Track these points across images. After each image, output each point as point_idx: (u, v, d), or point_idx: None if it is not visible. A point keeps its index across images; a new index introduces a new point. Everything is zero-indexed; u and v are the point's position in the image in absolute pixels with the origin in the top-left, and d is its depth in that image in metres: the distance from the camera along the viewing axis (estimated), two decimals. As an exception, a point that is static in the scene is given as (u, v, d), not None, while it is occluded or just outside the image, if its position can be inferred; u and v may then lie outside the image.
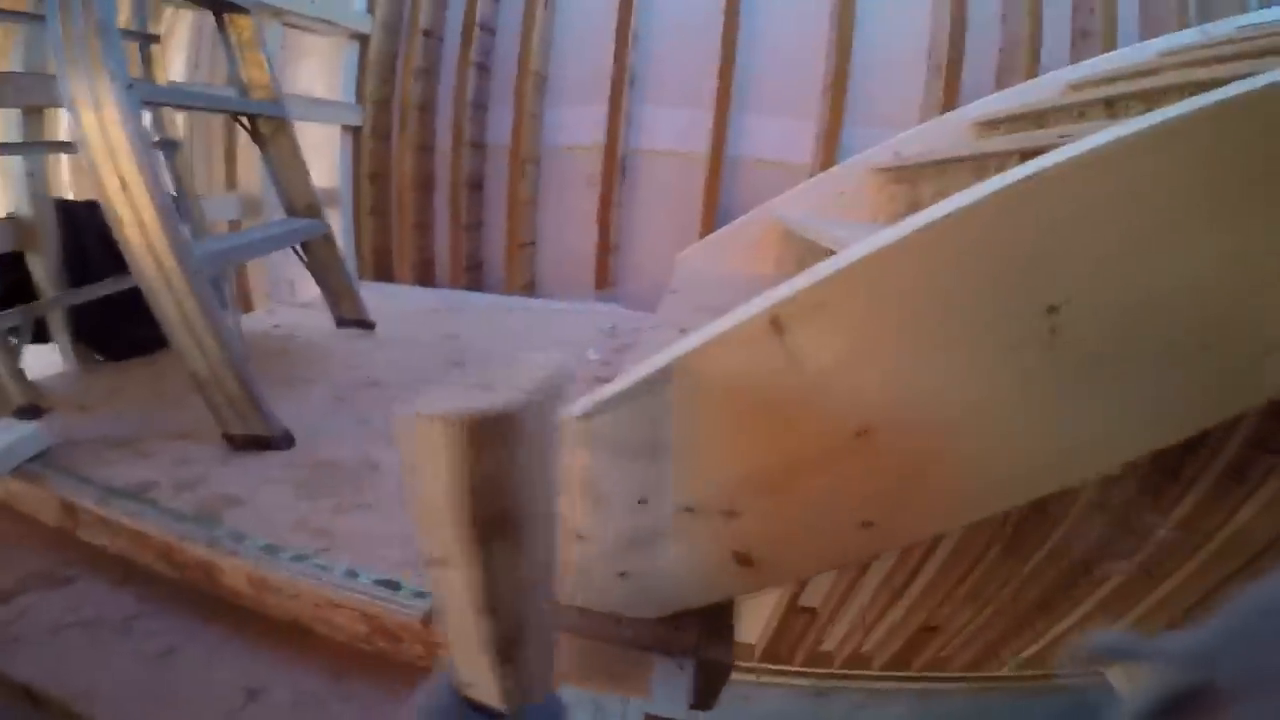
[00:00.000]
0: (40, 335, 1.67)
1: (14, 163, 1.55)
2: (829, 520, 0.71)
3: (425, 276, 3.11)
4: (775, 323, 0.61)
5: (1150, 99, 1.47)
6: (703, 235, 2.27)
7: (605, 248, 2.72)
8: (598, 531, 0.77)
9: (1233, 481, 1.86)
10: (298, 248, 1.86)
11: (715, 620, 0.87)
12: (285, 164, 1.79)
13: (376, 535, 1.09)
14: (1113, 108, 1.68)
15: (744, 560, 0.75)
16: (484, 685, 0.45)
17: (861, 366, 0.62)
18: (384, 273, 3.07)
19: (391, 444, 1.34)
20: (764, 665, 2.67)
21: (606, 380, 1.57)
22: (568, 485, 0.75)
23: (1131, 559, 2.12)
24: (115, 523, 1.17)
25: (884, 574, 2.58)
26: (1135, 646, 0.46)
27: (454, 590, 0.44)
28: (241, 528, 1.10)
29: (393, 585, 0.95)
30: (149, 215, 1.17)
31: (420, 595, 0.92)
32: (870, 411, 0.63)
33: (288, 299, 2.46)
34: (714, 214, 2.42)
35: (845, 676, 2.97)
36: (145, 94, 1.37)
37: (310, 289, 2.52)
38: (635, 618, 0.85)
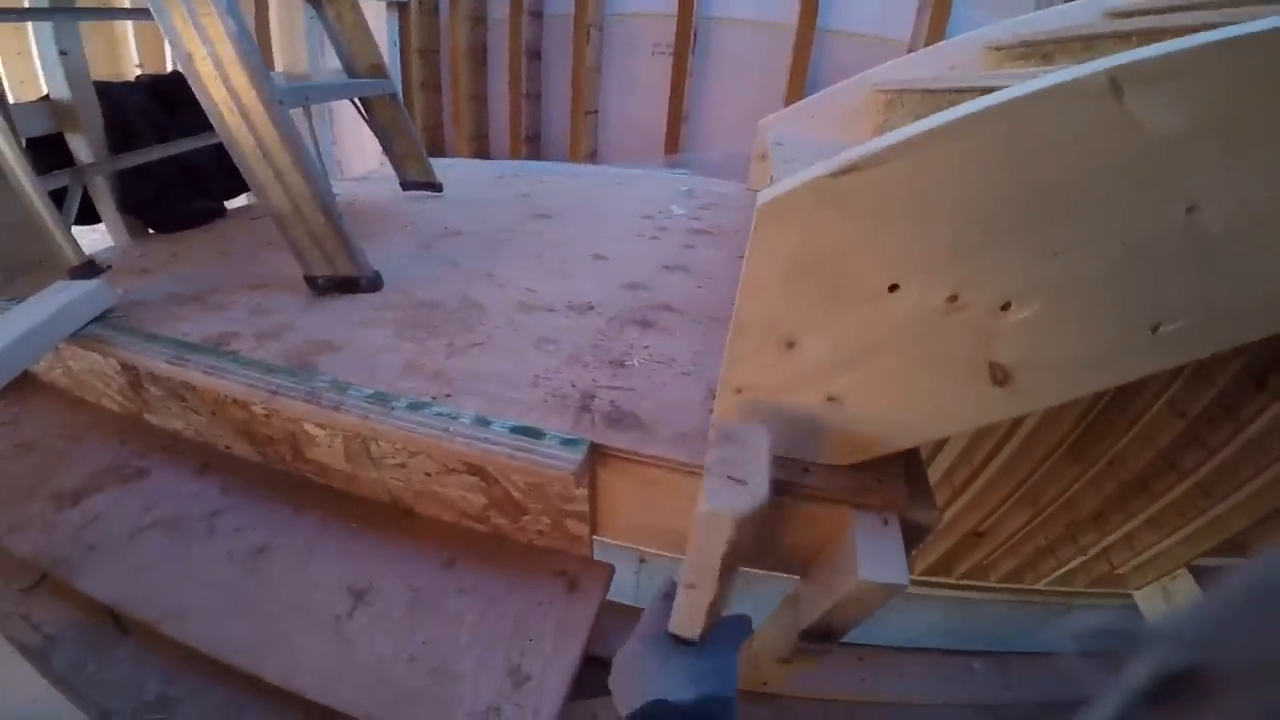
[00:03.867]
0: (88, 216, 1.49)
1: (47, 46, 1.32)
2: (1121, 327, 0.52)
3: (481, 149, 2.87)
4: (1114, 83, 0.44)
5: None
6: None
7: (676, 116, 2.44)
8: (818, 336, 0.59)
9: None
10: (361, 109, 1.63)
11: (916, 472, 0.67)
12: (345, 22, 1.54)
13: (501, 375, 0.90)
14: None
15: (1000, 376, 0.56)
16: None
17: (1204, 142, 0.45)
18: (437, 149, 2.85)
19: (493, 284, 1.14)
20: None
21: (701, 231, 1.41)
22: (785, 276, 0.57)
23: (1192, 475, 1.93)
24: (192, 385, 0.97)
25: (944, 471, 2.45)
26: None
27: (695, 601, 0.60)
28: (341, 375, 0.90)
29: (535, 433, 0.76)
30: (223, 45, 0.94)
31: (569, 443, 0.74)
32: (1200, 193, 0.46)
33: (338, 178, 2.25)
34: (801, 88, 2.15)
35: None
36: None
37: (360, 167, 2.32)
38: (827, 464, 0.66)
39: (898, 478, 0.67)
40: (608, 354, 0.92)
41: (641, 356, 0.91)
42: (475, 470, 0.83)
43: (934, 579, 2.75)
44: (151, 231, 1.51)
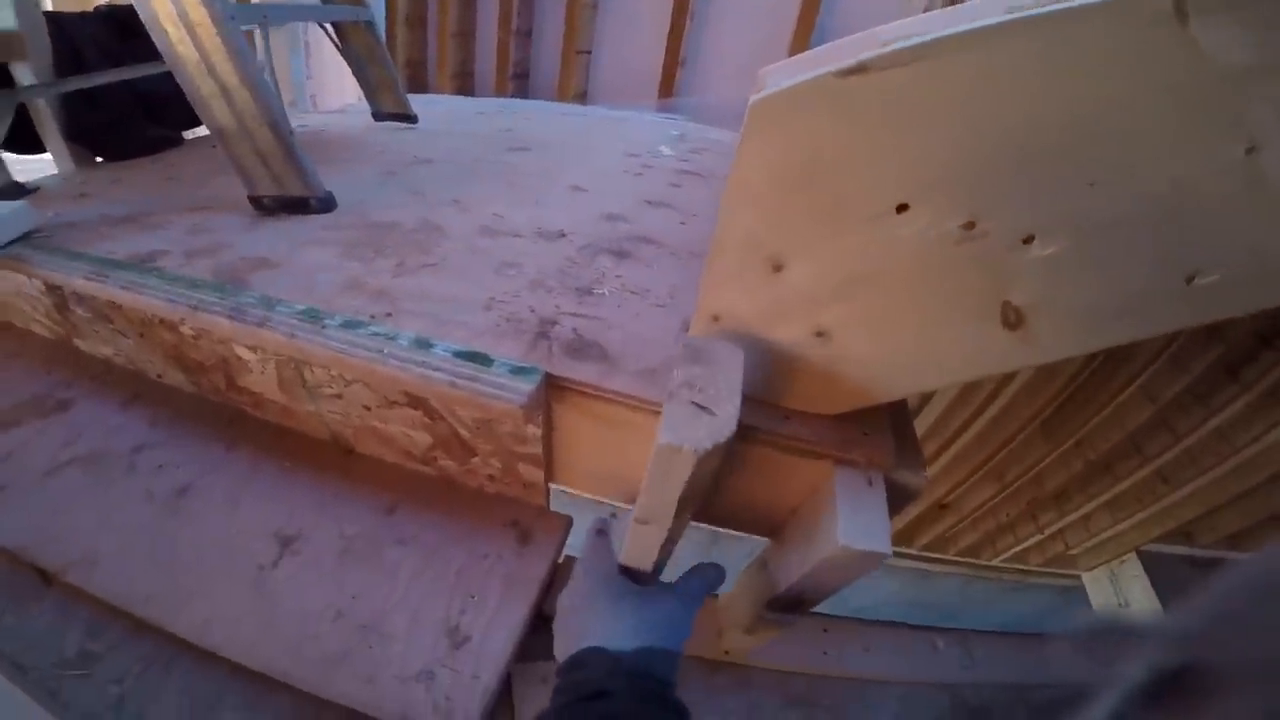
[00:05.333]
0: (32, 144, 1.33)
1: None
2: (1153, 274, 0.44)
3: (465, 87, 2.70)
4: (1180, 5, 0.36)
5: None
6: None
7: (674, 59, 2.29)
8: (811, 259, 0.50)
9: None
10: (334, 36, 1.50)
11: (904, 429, 0.58)
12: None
13: (451, 297, 0.79)
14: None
15: (1014, 319, 0.47)
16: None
17: (1274, 78, 0.37)
18: (419, 86, 2.66)
19: (458, 209, 1.00)
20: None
21: (689, 172, 1.30)
22: (777, 187, 0.48)
23: (1155, 460, 1.94)
24: (117, 304, 0.86)
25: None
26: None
27: (646, 537, 0.55)
28: (274, 292, 0.79)
29: (481, 359, 0.65)
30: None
31: (520, 372, 0.63)
32: (1263, 132, 0.38)
33: (309, 111, 2.12)
34: (806, 41, 2.01)
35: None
36: None
37: (338, 104, 2.17)
38: (810, 413, 0.57)
39: (885, 433, 0.58)
40: (576, 281, 0.82)
41: (613, 286, 0.81)
42: (417, 403, 0.73)
43: (896, 548, 2.75)
44: (99, 160, 1.39)
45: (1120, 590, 2.10)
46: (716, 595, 0.92)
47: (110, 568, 0.79)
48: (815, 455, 0.57)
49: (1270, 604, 0.35)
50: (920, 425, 2.37)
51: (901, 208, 0.45)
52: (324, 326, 0.69)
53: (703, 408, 0.46)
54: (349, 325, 0.70)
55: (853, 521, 0.51)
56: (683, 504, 0.48)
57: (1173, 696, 0.35)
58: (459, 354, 0.65)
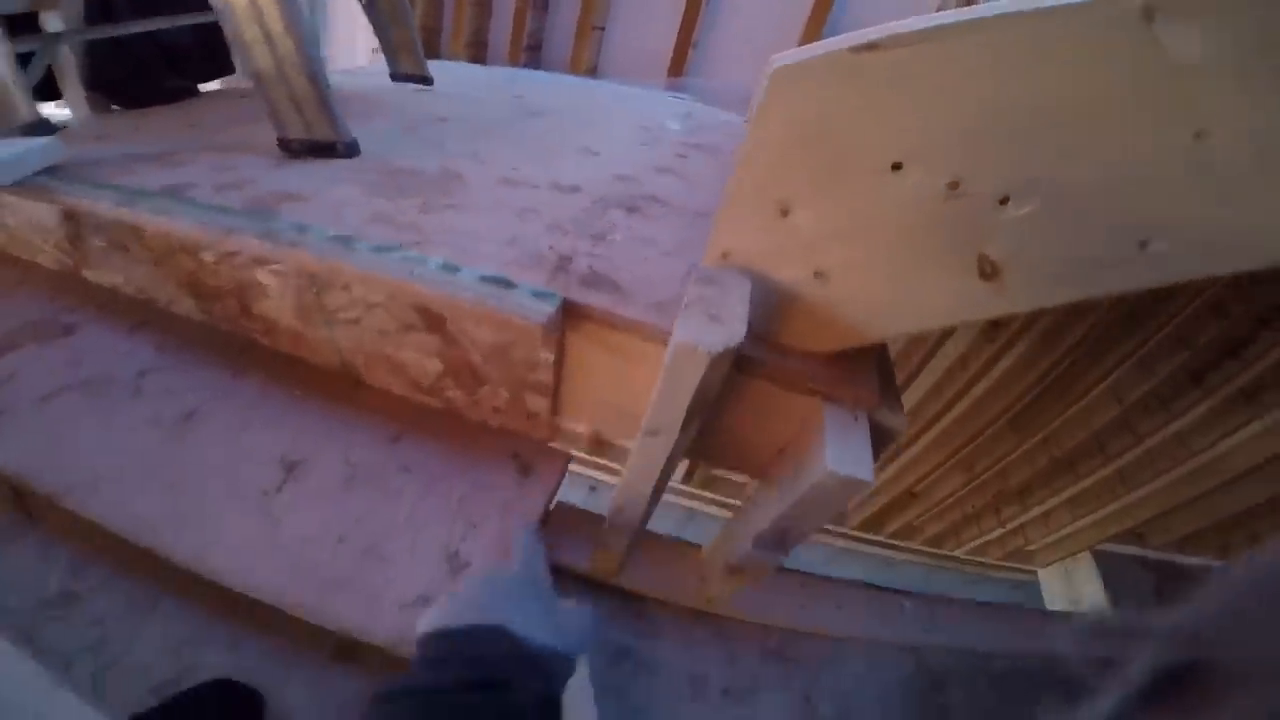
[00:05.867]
0: (50, 92, 1.38)
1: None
2: (1111, 238, 0.51)
3: (478, 56, 2.74)
4: (1147, 8, 0.43)
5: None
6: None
7: (686, 40, 2.35)
8: (813, 207, 0.56)
9: (1242, 401, 1.76)
10: None
11: (887, 376, 0.65)
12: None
13: (474, 232, 0.84)
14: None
15: (989, 271, 0.54)
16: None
17: (1221, 73, 0.44)
18: (432, 52, 2.67)
19: (476, 162, 1.07)
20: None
21: (696, 145, 1.36)
22: (789, 142, 0.54)
23: (1116, 460, 2.03)
24: (140, 231, 0.88)
25: None
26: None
27: (652, 452, 0.61)
28: (305, 220, 0.83)
29: (505, 283, 0.71)
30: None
31: (541, 295, 0.69)
32: (1210, 120, 0.45)
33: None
34: (819, 31, 2.07)
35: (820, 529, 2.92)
36: None
37: (349, 64, 2.18)
38: (805, 351, 0.64)
39: (871, 376, 0.65)
40: (589, 228, 0.87)
41: (624, 234, 0.87)
42: (434, 326, 0.77)
43: (865, 534, 2.84)
44: (114, 109, 1.42)
45: (1073, 587, 2.16)
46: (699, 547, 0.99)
47: (111, 492, 0.79)
48: (808, 390, 0.63)
49: (1273, 603, 0.36)
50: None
51: (896, 166, 0.52)
52: (355, 249, 0.74)
53: (715, 318, 0.52)
54: (379, 249, 0.74)
55: (839, 450, 0.57)
56: (690, 414, 0.54)
57: (1175, 695, 0.36)
58: (484, 278, 0.70)
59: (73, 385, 0.92)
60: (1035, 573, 2.36)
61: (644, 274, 0.76)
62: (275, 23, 0.93)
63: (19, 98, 1.12)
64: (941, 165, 0.51)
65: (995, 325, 2.05)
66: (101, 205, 0.86)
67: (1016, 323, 1.97)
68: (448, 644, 0.47)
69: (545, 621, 0.50)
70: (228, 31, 0.98)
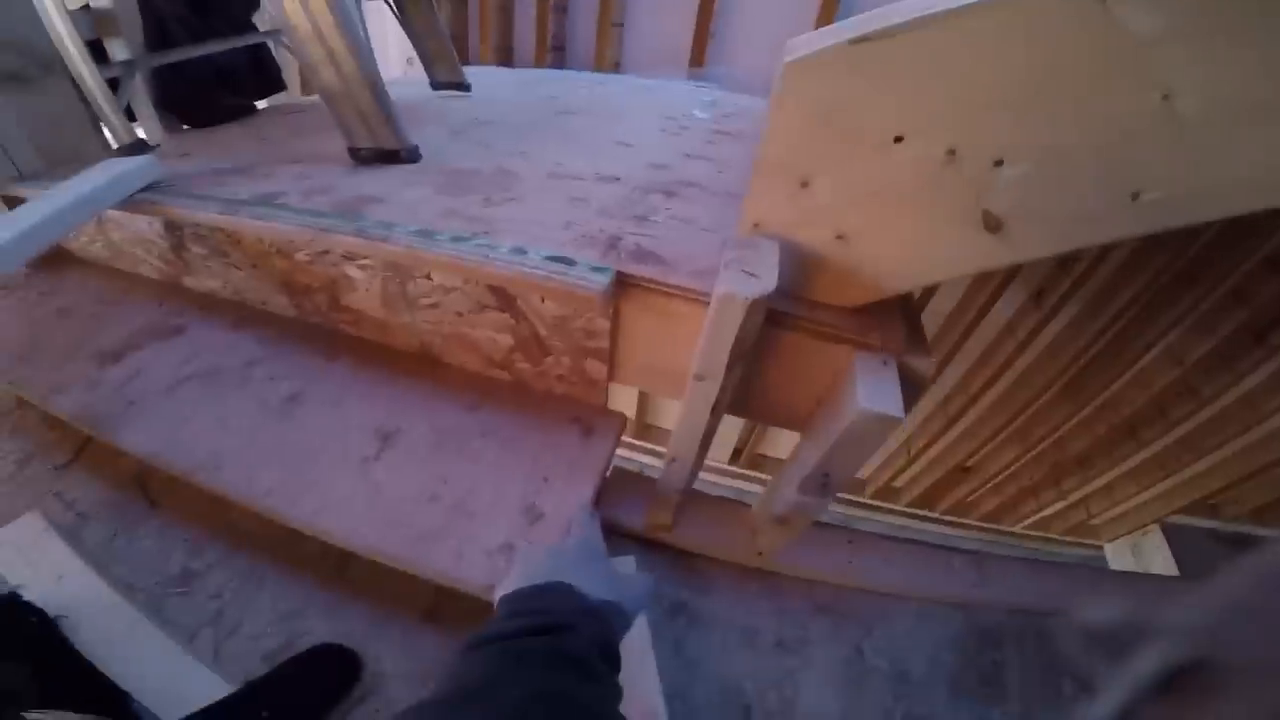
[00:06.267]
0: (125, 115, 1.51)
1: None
2: (1105, 191, 0.58)
3: (505, 60, 2.88)
4: None
5: None
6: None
7: (704, 32, 2.44)
8: (830, 178, 0.64)
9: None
10: (395, 8, 1.66)
11: (914, 323, 0.72)
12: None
13: (535, 221, 0.95)
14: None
15: (993, 224, 0.62)
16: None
17: (1177, 41, 0.50)
18: (461, 58, 2.79)
19: (524, 159, 1.20)
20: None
21: (723, 132, 1.46)
22: (804, 124, 0.63)
23: (1180, 426, 1.97)
24: (239, 238, 1.03)
25: (940, 400, 2.50)
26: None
27: (701, 396, 0.71)
28: (387, 218, 0.95)
29: (568, 261, 0.82)
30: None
31: (598, 270, 0.80)
32: (1174, 83, 0.51)
33: None
34: (833, 13, 2.12)
35: (871, 508, 2.92)
36: None
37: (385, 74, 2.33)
38: (833, 305, 0.73)
39: (896, 324, 0.73)
40: (633, 211, 0.98)
41: (665, 216, 0.97)
42: (506, 304, 0.90)
43: (918, 511, 2.85)
44: (186, 128, 1.58)
45: (1142, 563, 2.11)
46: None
47: (233, 468, 0.92)
48: (838, 339, 0.72)
49: (1274, 602, 0.37)
50: (943, 385, 2.45)
51: (898, 139, 0.60)
52: (436, 240, 0.86)
53: (750, 274, 0.61)
54: (457, 239, 0.86)
55: (870, 390, 0.66)
56: (733, 358, 0.64)
57: (1182, 690, 0.36)
58: (549, 257, 0.81)
59: (190, 377, 1.07)
60: (1101, 548, 2.31)
61: (684, 248, 0.86)
62: (337, 42, 1.04)
63: (115, 121, 1.28)
64: (937, 136, 0.59)
65: (1041, 291, 2.04)
66: (205, 215, 0.99)
67: (1063, 286, 1.95)
68: (521, 601, 0.54)
69: (604, 582, 0.58)
70: (296, 54, 1.10)
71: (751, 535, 1.03)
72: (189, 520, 1.02)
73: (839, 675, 0.96)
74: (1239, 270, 1.67)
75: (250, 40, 1.67)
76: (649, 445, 3.06)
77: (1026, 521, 2.52)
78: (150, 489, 1.07)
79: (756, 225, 0.70)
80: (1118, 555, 2.25)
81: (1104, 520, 2.27)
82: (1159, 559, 2.05)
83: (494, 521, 0.87)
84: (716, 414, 0.74)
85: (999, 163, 0.58)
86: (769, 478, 2.89)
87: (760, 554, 1.03)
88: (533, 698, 0.41)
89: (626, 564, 0.97)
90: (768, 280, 0.60)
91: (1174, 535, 2.07)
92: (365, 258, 0.94)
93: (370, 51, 1.11)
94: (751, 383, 0.80)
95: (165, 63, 1.47)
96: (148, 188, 1.06)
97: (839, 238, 0.67)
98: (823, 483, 0.78)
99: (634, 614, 0.60)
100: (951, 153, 0.59)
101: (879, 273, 0.69)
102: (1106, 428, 2.12)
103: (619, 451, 1.02)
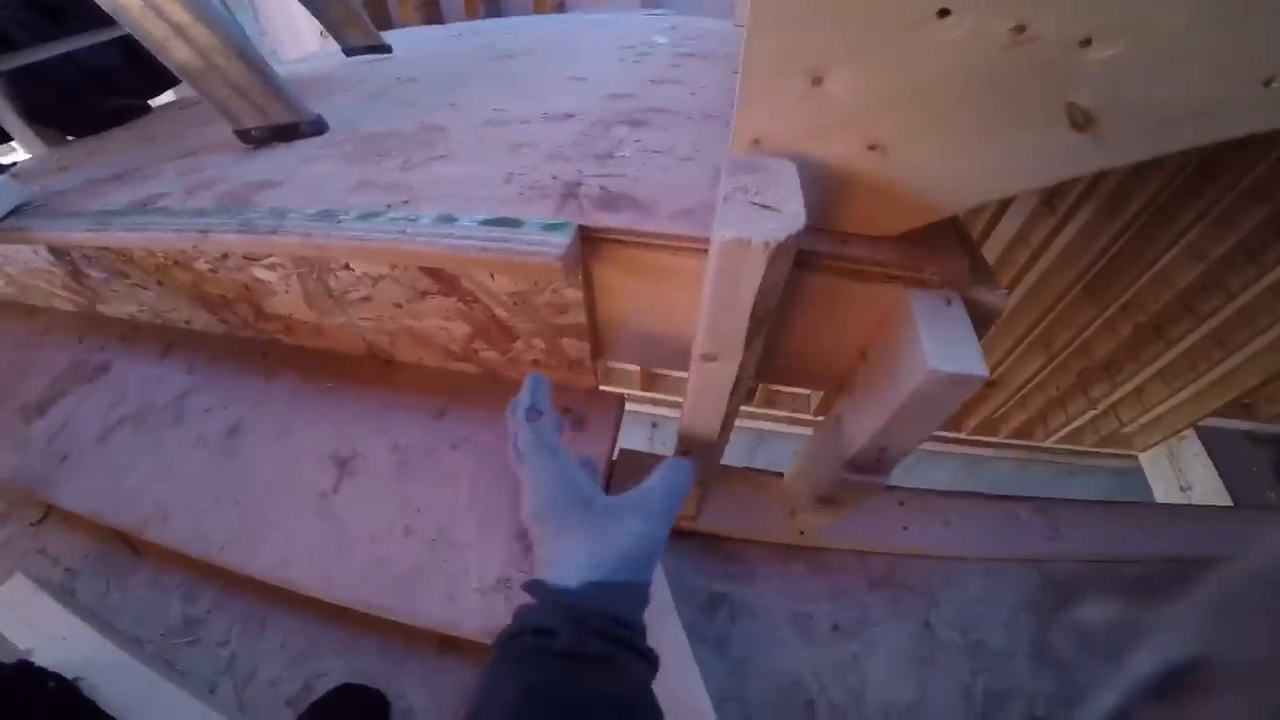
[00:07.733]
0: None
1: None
2: (1226, 78, 0.40)
3: (431, 16, 2.60)
4: None
5: None
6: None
7: None
8: (852, 71, 0.46)
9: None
10: None
11: (971, 246, 0.56)
12: None
13: (467, 178, 0.77)
14: None
15: (1081, 120, 0.44)
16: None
17: None
18: (382, 23, 2.54)
19: (456, 110, 0.96)
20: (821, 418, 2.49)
21: (688, 55, 1.21)
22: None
23: (1209, 320, 1.85)
24: (128, 254, 0.86)
25: None
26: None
27: (715, 382, 0.53)
28: (282, 205, 0.78)
29: (511, 223, 0.63)
30: None
31: (553, 228, 0.62)
32: None
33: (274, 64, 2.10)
34: None
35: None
36: None
37: (294, 54, 2.11)
38: (870, 236, 0.55)
39: (955, 251, 0.56)
40: (593, 149, 0.79)
41: (633, 148, 0.78)
42: (449, 288, 0.72)
43: (945, 433, 2.73)
44: (70, 139, 1.42)
45: (1181, 471, 2.07)
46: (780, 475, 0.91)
47: (181, 519, 0.81)
48: (883, 278, 0.55)
49: (1272, 601, 0.36)
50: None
51: (943, 13, 0.42)
52: (339, 222, 0.68)
53: (765, 206, 0.43)
54: (365, 216, 0.68)
55: (939, 343, 0.49)
56: (754, 328, 0.46)
57: (1179, 691, 0.36)
58: (486, 221, 0.63)
59: (120, 421, 0.95)
60: (1136, 457, 2.26)
61: (663, 183, 0.68)
62: (178, 14, 0.85)
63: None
64: (999, 6, 0.41)
65: (1053, 194, 1.90)
66: (76, 234, 0.84)
67: (1077, 189, 1.81)
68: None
69: (582, 554, 0.48)
70: (136, 37, 0.90)
71: (790, 514, 0.89)
72: (177, 564, 0.90)
73: (907, 655, 0.85)
74: (1257, 167, 1.55)
75: (107, 36, 1.42)
76: (659, 395, 2.87)
77: (1058, 435, 2.43)
78: (130, 536, 0.95)
79: (757, 142, 0.52)
80: (1154, 464, 2.18)
81: (1136, 428, 2.17)
82: (1198, 467, 2.00)
83: (483, 552, 0.73)
84: (736, 399, 0.58)
85: (1086, 42, 0.41)
86: (795, 418, 2.64)
87: (802, 532, 0.89)
88: (525, 693, 0.38)
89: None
90: (792, 214, 0.42)
91: (1210, 439, 2.01)
92: (268, 255, 0.76)
93: (229, 16, 0.90)
94: (769, 341, 0.63)
95: (9, 68, 1.27)
96: (13, 212, 0.91)
97: (872, 148, 0.49)
98: (878, 458, 0.62)
99: (643, 574, 0.48)
100: (1020, 29, 0.41)
101: (929, 190, 0.51)
102: (1132, 328, 2.01)
103: (628, 406, 0.88)
